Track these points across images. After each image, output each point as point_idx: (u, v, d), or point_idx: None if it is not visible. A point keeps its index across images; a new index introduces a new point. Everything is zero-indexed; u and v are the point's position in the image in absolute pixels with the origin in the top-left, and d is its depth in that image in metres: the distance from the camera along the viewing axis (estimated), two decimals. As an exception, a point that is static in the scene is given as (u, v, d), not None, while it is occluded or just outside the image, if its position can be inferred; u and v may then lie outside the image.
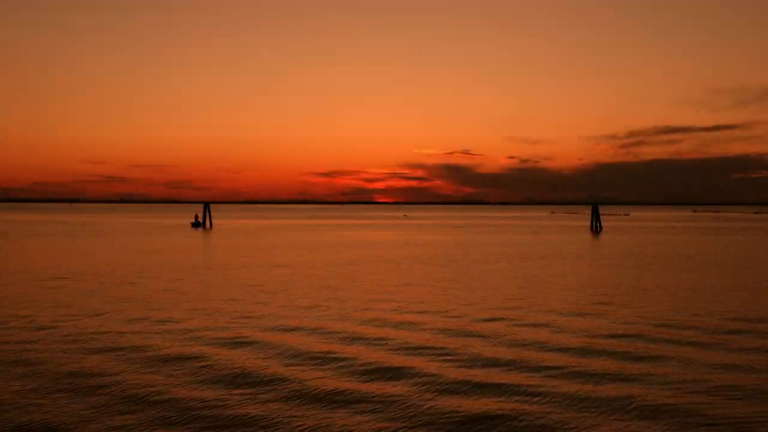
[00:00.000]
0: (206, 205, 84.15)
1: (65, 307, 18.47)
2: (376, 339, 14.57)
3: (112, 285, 23.56)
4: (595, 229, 74.58)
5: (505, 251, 41.66)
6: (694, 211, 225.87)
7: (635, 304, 19.73)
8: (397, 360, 12.65)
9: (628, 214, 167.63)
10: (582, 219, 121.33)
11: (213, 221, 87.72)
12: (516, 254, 39.17)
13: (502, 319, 17.10)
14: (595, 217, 76.18)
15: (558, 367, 12.09)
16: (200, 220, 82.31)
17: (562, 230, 76.01)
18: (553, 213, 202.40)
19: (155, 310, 18.02)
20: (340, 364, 12.36)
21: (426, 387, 10.87)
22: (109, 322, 16.24)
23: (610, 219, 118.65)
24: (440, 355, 13.10)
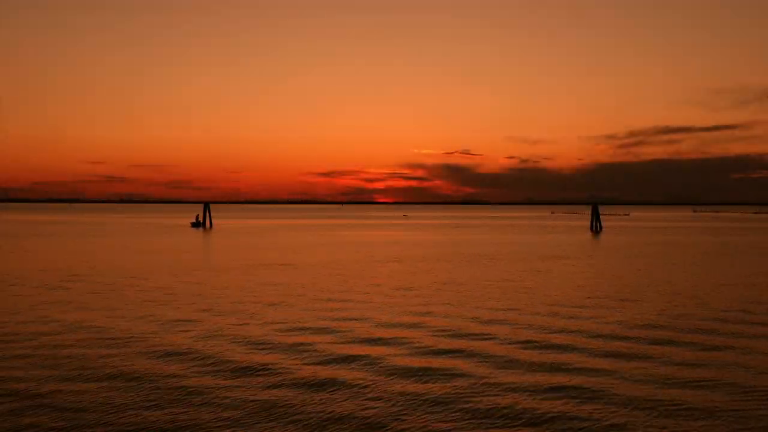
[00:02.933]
0: (206, 205, 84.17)
1: (93, 310, 18.49)
2: (402, 339, 14.64)
3: (123, 285, 23.61)
4: (595, 229, 74.60)
5: (511, 251, 41.66)
6: (695, 211, 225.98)
7: (637, 303, 19.75)
8: (416, 360, 12.69)
9: (628, 214, 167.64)
10: (582, 219, 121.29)
11: (213, 221, 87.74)
12: (522, 254, 39.18)
13: (510, 320, 17.18)
14: (595, 217, 76.24)
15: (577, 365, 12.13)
16: (200, 220, 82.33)
17: (562, 230, 76.01)
18: (553, 213, 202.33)
19: (161, 306, 18.07)
20: (365, 362, 12.40)
21: (466, 383, 10.92)
22: (140, 324, 16.29)
23: (610, 219, 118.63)
24: (472, 354, 13.15)
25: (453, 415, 9.56)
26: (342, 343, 14.21)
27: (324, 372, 11.80)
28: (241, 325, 16.11)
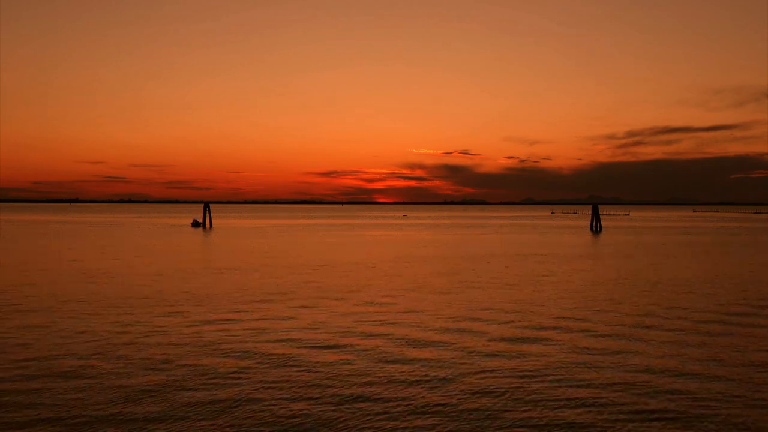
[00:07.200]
0: (206, 205, 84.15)
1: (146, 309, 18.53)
2: (436, 342, 14.70)
3: (136, 285, 23.66)
4: (595, 229, 74.65)
5: (517, 252, 41.68)
6: (695, 211, 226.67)
7: (637, 302, 19.80)
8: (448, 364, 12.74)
9: (628, 214, 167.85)
10: (582, 219, 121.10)
11: (213, 221, 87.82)
12: (528, 255, 39.22)
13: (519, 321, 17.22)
14: (595, 217, 76.31)
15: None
16: (200, 221, 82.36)
17: (562, 230, 76.01)
18: (553, 213, 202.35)
19: (180, 307, 18.11)
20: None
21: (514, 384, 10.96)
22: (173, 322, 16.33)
23: (610, 219, 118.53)
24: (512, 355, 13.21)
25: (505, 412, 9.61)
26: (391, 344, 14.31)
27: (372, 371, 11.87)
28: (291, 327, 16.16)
